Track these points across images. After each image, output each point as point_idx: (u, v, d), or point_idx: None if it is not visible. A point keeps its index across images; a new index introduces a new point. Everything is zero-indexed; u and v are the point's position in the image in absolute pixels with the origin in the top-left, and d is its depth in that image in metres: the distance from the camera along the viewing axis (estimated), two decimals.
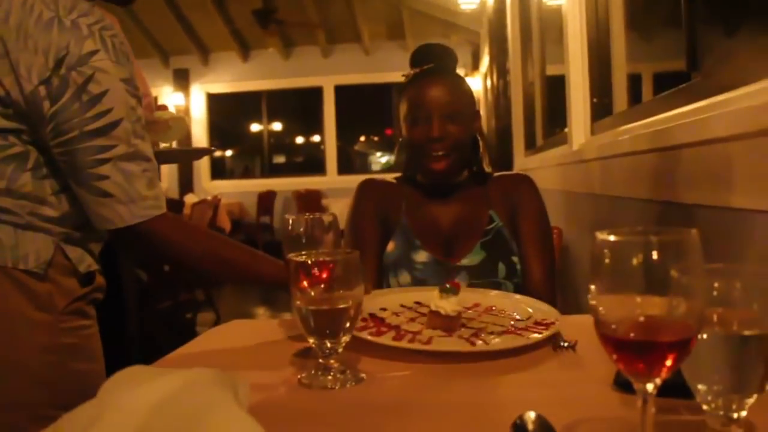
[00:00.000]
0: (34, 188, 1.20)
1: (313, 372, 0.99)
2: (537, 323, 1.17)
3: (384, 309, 1.25)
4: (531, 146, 4.93)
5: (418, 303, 1.31)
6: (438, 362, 1.03)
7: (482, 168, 1.75)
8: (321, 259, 0.96)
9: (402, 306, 1.29)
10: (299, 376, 0.99)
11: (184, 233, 1.32)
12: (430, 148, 1.60)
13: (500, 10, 5.83)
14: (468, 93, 1.69)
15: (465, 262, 1.62)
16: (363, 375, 0.99)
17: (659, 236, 0.57)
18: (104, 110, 1.18)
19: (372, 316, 1.20)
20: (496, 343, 1.08)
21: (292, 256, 0.97)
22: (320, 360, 0.98)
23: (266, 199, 11.06)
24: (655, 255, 0.57)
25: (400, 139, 1.73)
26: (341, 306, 0.93)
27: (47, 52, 1.15)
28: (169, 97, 11.53)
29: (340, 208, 8.30)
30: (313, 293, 0.95)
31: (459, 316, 1.16)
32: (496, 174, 1.77)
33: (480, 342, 1.08)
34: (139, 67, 2.18)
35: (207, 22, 10.40)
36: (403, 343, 1.05)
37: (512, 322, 1.20)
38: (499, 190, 1.71)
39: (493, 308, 1.29)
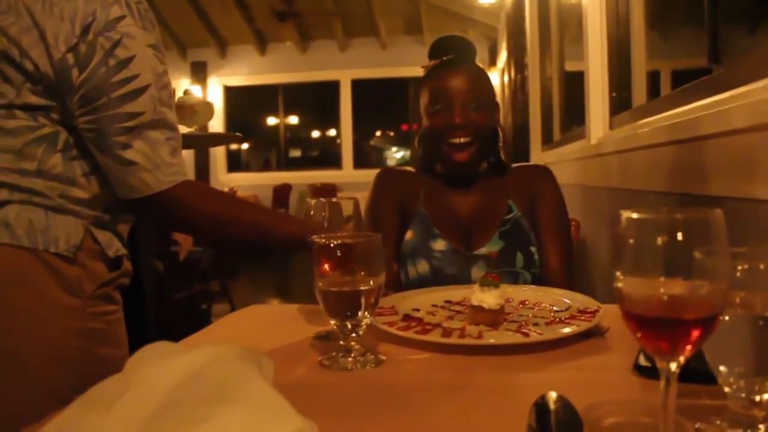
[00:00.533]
0: (65, 170, 1.19)
1: (333, 354, 1.00)
2: (581, 311, 1.15)
3: (417, 309, 1.22)
4: (548, 141, 4.92)
5: (448, 302, 1.29)
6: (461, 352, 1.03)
7: (501, 159, 1.74)
8: (343, 241, 0.97)
9: (434, 305, 1.26)
10: (320, 358, 1.00)
11: (208, 198, 1.33)
12: (453, 135, 1.60)
13: (519, 4, 5.81)
14: (489, 83, 1.69)
15: (483, 251, 1.62)
16: (383, 357, 1.00)
17: (684, 215, 0.57)
18: (131, 75, 1.17)
19: (408, 316, 1.17)
20: (548, 333, 1.04)
21: (315, 237, 0.98)
22: (341, 342, 0.99)
23: (282, 193, 11.10)
24: (679, 234, 0.57)
25: (420, 131, 1.73)
26: (362, 288, 0.94)
27: (74, 19, 1.14)
28: (186, 89, 11.57)
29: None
30: (334, 275, 0.96)
31: (502, 310, 1.13)
32: (515, 165, 1.77)
33: (533, 333, 1.05)
34: None
35: (225, 15, 10.44)
36: (454, 339, 1.03)
37: (553, 313, 1.18)
38: (519, 181, 1.71)
39: (527, 302, 1.27)
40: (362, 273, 0.96)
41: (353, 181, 10.83)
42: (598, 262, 2.74)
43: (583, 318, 1.10)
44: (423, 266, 1.62)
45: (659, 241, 0.58)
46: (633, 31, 2.72)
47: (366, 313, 0.96)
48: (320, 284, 0.96)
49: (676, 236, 0.57)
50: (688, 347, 0.59)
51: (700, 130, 1.47)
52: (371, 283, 0.95)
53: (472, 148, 1.61)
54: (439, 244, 1.63)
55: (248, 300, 6.64)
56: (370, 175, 1.84)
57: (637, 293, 0.59)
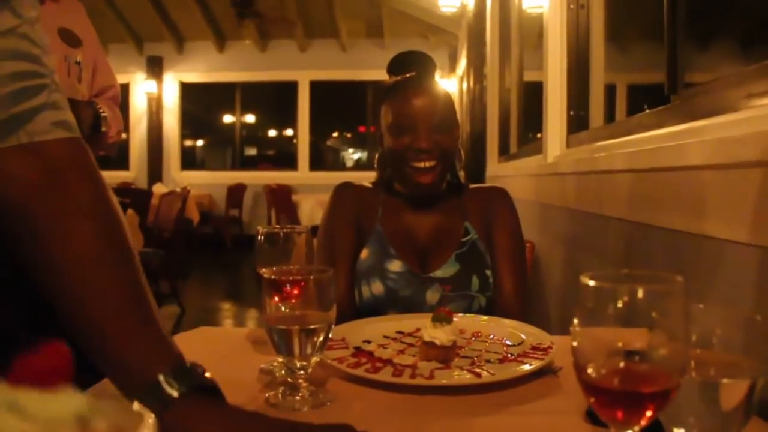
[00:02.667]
0: None
1: (280, 391, 0.96)
2: (534, 348, 1.13)
3: (368, 342, 1.19)
4: (504, 152, 4.94)
5: (400, 332, 1.26)
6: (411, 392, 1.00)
7: (459, 178, 1.73)
8: (293, 276, 0.94)
9: (385, 337, 1.23)
10: (267, 395, 0.97)
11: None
12: (417, 158, 1.56)
13: (480, 14, 5.83)
14: (451, 102, 1.66)
15: (439, 273, 1.59)
16: (331, 397, 0.97)
17: (644, 284, 0.56)
18: None
19: (359, 350, 1.15)
20: (501, 372, 1.02)
21: (264, 271, 0.95)
22: (288, 379, 0.96)
23: (236, 193, 10.97)
24: (639, 302, 0.56)
25: (381, 150, 1.70)
26: (313, 326, 0.91)
27: None
28: (141, 84, 11.37)
29: (310, 205, 8.26)
30: (283, 310, 0.93)
31: (455, 346, 1.11)
32: (473, 186, 1.76)
33: (485, 373, 1.02)
34: (105, 56, 2.14)
35: (183, 9, 10.26)
36: (405, 379, 1.00)
37: (505, 348, 1.16)
38: (475, 203, 1.69)
39: (480, 334, 1.25)
40: (312, 309, 0.93)
41: (309, 183, 10.76)
42: (552, 282, 2.76)
43: (535, 355, 1.09)
44: (377, 287, 1.58)
45: (618, 307, 0.56)
46: (592, 46, 2.74)
47: (315, 351, 0.93)
48: (268, 320, 0.92)
49: (635, 304, 0.56)
50: (645, 419, 0.57)
51: (656, 162, 1.48)
52: (322, 320, 0.92)
53: (436, 170, 1.58)
54: (395, 265, 1.60)
55: (199, 303, 6.55)
56: (325, 177, 1.81)
57: (594, 360, 0.58)
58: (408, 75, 1.64)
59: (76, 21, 1.97)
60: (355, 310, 1.58)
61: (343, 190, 1.73)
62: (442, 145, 1.57)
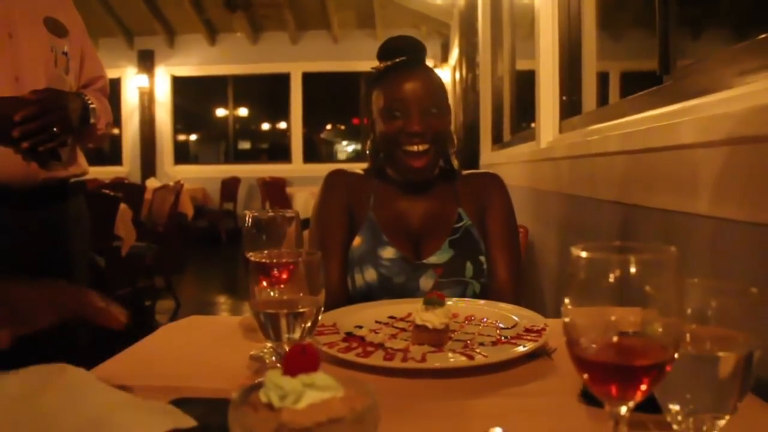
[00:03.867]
0: None
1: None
2: (527, 330, 1.12)
3: (360, 327, 1.18)
4: (498, 141, 4.93)
5: (392, 317, 1.25)
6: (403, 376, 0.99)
7: (452, 164, 1.71)
8: (281, 260, 0.92)
9: (377, 322, 1.22)
10: (255, 381, 0.95)
11: None
12: (410, 142, 1.55)
13: (472, 3, 5.80)
14: (442, 86, 1.65)
15: (432, 260, 1.58)
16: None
17: (637, 254, 0.54)
18: None
19: (350, 335, 1.13)
20: (494, 355, 1.01)
21: (251, 255, 0.93)
22: (278, 365, 0.94)
23: (230, 186, 10.93)
24: (632, 273, 0.54)
25: (372, 136, 1.68)
26: (301, 310, 0.89)
27: None
28: (132, 78, 11.31)
29: (304, 197, 8.24)
30: (271, 294, 0.91)
31: (447, 329, 1.10)
32: (465, 172, 1.74)
33: (478, 355, 1.01)
34: (92, 46, 2.10)
35: (173, 2, 10.19)
36: (397, 363, 0.99)
37: (498, 331, 1.15)
38: (469, 189, 1.69)
39: (473, 317, 1.24)
40: (301, 293, 0.91)
41: (303, 175, 10.73)
42: (546, 267, 2.75)
43: (529, 337, 1.08)
44: (370, 274, 1.57)
45: (610, 281, 0.54)
46: (584, 34, 2.73)
47: (304, 335, 0.91)
48: (256, 304, 0.91)
49: (628, 278, 0.54)
50: (639, 393, 0.56)
51: (649, 142, 1.46)
52: (310, 303, 0.90)
53: (429, 154, 1.57)
54: (388, 252, 1.59)
55: (194, 296, 6.53)
56: (319, 169, 1.79)
57: (586, 336, 0.56)
58: (398, 59, 1.63)
59: (62, 10, 1.92)
60: (347, 297, 1.56)
61: (335, 177, 1.71)
62: (434, 128, 1.57)
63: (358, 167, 1.77)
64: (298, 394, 0.53)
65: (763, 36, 1.21)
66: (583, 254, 0.55)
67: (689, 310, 0.63)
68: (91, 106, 1.91)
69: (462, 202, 1.67)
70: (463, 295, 1.53)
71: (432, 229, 1.63)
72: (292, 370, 0.55)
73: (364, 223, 1.64)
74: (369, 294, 1.54)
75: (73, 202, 1.97)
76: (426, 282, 1.55)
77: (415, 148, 1.55)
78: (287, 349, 0.91)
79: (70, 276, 1.90)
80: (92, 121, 1.91)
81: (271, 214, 1.09)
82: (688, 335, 0.62)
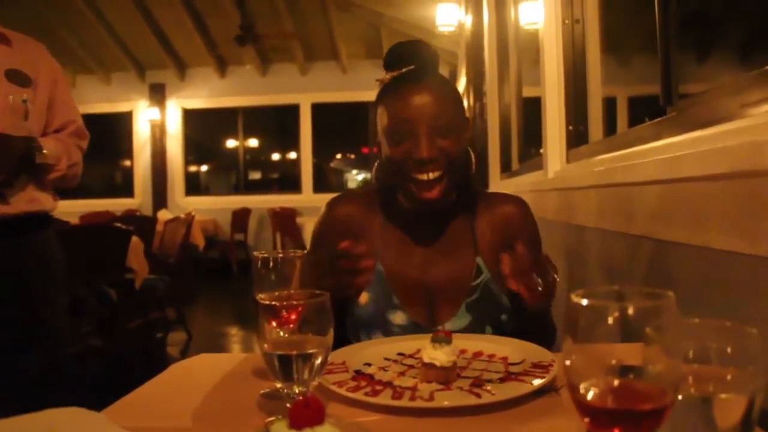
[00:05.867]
0: None
1: (280, 417, 0.96)
2: (534, 366, 1.12)
3: (369, 364, 1.17)
4: (506, 169, 4.94)
5: (401, 354, 1.24)
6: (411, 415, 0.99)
7: (470, 186, 1.53)
8: (290, 302, 0.93)
9: (386, 359, 1.21)
10: (267, 420, 0.96)
11: None
12: (420, 170, 1.37)
13: (477, 33, 5.86)
14: (458, 98, 1.46)
15: (448, 326, 1.41)
16: (332, 419, 0.96)
17: (634, 302, 0.55)
18: None
19: (359, 373, 1.13)
20: (501, 392, 1.00)
21: (261, 297, 0.95)
22: (288, 405, 0.95)
23: (241, 217, 10.97)
24: (631, 319, 0.55)
25: (379, 160, 1.51)
26: (310, 351, 0.91)
27: None
28: (144, 111, 11.45)
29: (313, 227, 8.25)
30: (281, 335, 0.93)
31: (455, 367, 1.09)
32: (484, 193, 1.57)
33: (486, 393, 1.01)
34: (68, 94, 2.27)
35: (184, 37, 10.35)
36: (405, 402, 0.98)
37: (506, 367, 1.15)
38: (487, 218, 1.50)
39: (481, 353, 1.24)
40: (310, 334, 0.92)
41: (313, 205, 10.75)
42: (556, 297, 2.74)
43: (537, 373, 1.08)
44: (379, 339, 1.42)
45: (609, 326, 0.55)
46: (589, 62, 2.75)
47: (313, 376, 0.92)
48: (265, 346, 0.92)
49: (627, 322, 0.55)
50: None
51: (654, 174, 1.47)
52: (319, 345, 0.92)
53: (442, 182, 1.38)
54: (399, 317, 1.43)
55: (205, 328, 6.53)
56: (329, 198, 1.62)
57: (586, 379, 0.57)
58: (405, 69, 1.44)
59: (30, 62, 2.14)
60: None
61: (338, 208, 1.54)
62: (447, 152, 1.37)
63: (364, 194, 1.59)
64: None
65: (766, 68, 1.22)
66: (583, 301, 0.56)
67: (691, 352, 0.64)
68: (39, 147, 2.09)
69: (481, 246, 1.48)
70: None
71: (447, 290, 1.45)
72: (297, 424, 0.56)
73: (373, 277, 1.44)
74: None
75: (33, 238, 2.14)
76: None
77: (426, 176, 1.37)
78: (296, 392, 0.92)
79: (36, 311, 2.06)
80: (38, 161, 2.08)
81: (280, 254, 1.10)
82: (690, 377, 0.63)
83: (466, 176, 1.50)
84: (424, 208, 1.43)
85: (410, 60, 1.45)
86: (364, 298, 1.44)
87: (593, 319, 0.56)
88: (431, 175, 1.37)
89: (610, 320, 0.55)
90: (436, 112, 1.37)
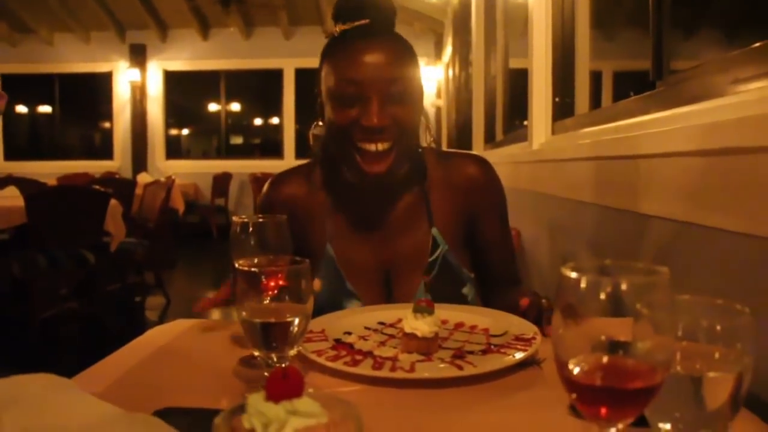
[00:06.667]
0: None
1: (258, 386, 0.94)
2: (517, 338, 1.10)
3: (349, 333, 1.15)
4: (491, 140, 4.92)
5: (381, 323, 1.22)
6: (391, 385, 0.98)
7: (422, 162, 1.40)
8: (268, 268, 0.91)
9: (366, 328, 1.19)
10: (245, 393, 0.94)
11: None
12: (367, 139, 1.24)
13: (465, 2, 5.80)
14: (415, 60, 1.31)
15: None
16: (310, 390, 0.94)
17: (628, 277, 0.53)
18: None
19: (339, 342, 1.11)
20: (483, 365, 0.99)
21: (239, 263, 0.92)
22: (266, 373, 0.93)
23: (221, 182, 10.89)
24: (623, 295, 0.53)
25: (321, 122, 1.37)
26: (289, 319, 0.88)
27: None
28: (124, 72, 11.26)
29: None
30: (259, 303, 0.90)
31: (436, 337, 1.08)
32: (442, 153, 1.45)
33: (467, 365, 0.99)
34: None
35: None
36: (385, 372, 0.97)
37: (488, 339, 1.13)
38: (445, 186, 1.39)
39: (463, 324, 1.22)
40: (289, 301, 0.90)
41: None
42: (538, 269, 2.74)
43: (519, 346, 1.07)
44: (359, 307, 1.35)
45: (600, 301, 0.54)
46: (578, 34, 2.72)
47: (292, 344, 0.90)
48: (243, 314, 0.89)
49: (618, 297, 0.53)
50: (629, 415, 0.55)
51: (641, 148, 1.46)
52: (298, 312, 0.89)
53: (391, 154, 1.26)
54: (354, 305, 1.36)
55: (184, 292, 6.50)
56: None
57: (576, 356, 0.55)
58: (357, 23, 1.29)
59: None
60: None
61: (280, 189, 1.44)
62: (399, 120, 1.24)
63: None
64: (282, 422, 0.53)
65: (756, 45, 1.20)
66: (573, 275, 0.54)
67: (680, 329, 0.63)
68: None
69: (436, 216, 1.37)
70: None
71: (403, 270, 1.37)
72: (275, 396, 0.54)
73: (323, 260, 1.36)
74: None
75: None
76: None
77: (374, 147, 1.25)
78: (274, 360, 0.90)
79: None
80: None
81: (260, 219, 1.07)
82: (678, 354, 0.62)
83: (417, 145, 1.39)
84: (370, 183, 1.31)
85: (364, 12, 1.29)
86: (317, 285, 1.24)
87: (583, 293, 0.54)
88: (380, 146, 1.25)
89: (602, 295, 0.54)
90: (390, 74, 1.24)
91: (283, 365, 0.88)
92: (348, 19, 1.29)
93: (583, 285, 0.54)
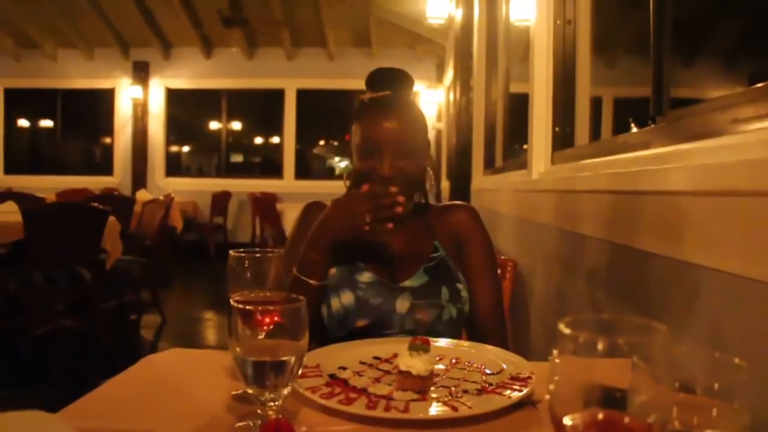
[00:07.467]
0: None
1: (250, 424, 0.93)
2: (513, 378, 1.10)
3: (343, 368, 1.16)
4: (490, 165, 4.93)
5: (377, 358, 1.22)
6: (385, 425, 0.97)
7: (426, 199, 1.75)
8: (264, 304, 0.90)
9: (362, 363, 1.20)
10: (236, 426, 0.93)
11: None
12: (380, 184, 1.55)
13: (467, 26, 5.83)
14: (423, 123, 1.66)
15: (407, 283, 1.58)
16: (304, 429, 0.93)
17: (625, 336, 0.53)
18: None
19: (333, 378, 1.11)
20: (478, 406, 0.99)
21: (234, 298, 0.91)
22: (258, 411, 0.92)
23: (221, 200, 10.89)
24: (619, 350, 0.53)
25: (351, 168, 1.69)
26: (283, 358, 0.88)
27: None
28: (127, 89, 11.30)
29: (294, 214, 8.18)
30: (253, 340, 0.90)
31: (431, 376, 1.08)
32: (438, 205, 1.77)
33: (462, 406, 0.99)
34: None
35: (170, 15, 10.20)
36: (379, 412, 0.96)
37: (484, 378, 1.13)
38: (443, 222, 1.71)
39: (459, 360, 1.22)
40: (284, 338, 0.89)
41: (294, 191, 10.70)
42: (534, 299, 2.73)
43: (515, 386, 1.06)
44: (347, 297, 1.56)
45: (597, 355, 0.53)
46: (578, 61, 2.73)
47: (286, 383, 0.89)
48: (237, 350, 0.89)
49: (616, 354, 0.53)
50: None
51: (639, 185, 1.46)
52: (293, 350, 0.89)
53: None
54: (365, 276, 1.59)
55: (180, 311, 6.48)
56: (311, 186, 1.81)
57: (570, 410, 0.55)
58: (381, 94, 1.64)
59: None
60: (317, 328, 1.54)
61: (310, 210, 1.73)
62: (405, 171, 1.57)
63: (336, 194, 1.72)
64: None
65: (758, 86, 1.21)
66: (568, 332, 0.53)
67: (676, 381, 0.62)
68: None
69: (437, 235, 1.68)
70: (439, 317, 1.54)
71: (407, 257, 1.64)
72: None
73: (339, 254, 1.60)
74: (346, 316, 1.54)
75: None
76: (402, 304, 1.55)
77: None
78: (268, 397, 0.89)
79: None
80: None
81: (256, 253, 1.07)
82: (675, 408, 0.61)
83: (424, 190, 1.73)
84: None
85: (387, 85, 1.65)
86: (332, 271, 1.58)
87: (580, 350, 0.53)
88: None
89: (598, 351, 0.53)
90: (401, 136, 1.57)
91: (277, 416, 0.88)
92: (375, 88, 1.66)
93: (578, 341, 0.53)
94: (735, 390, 0.61)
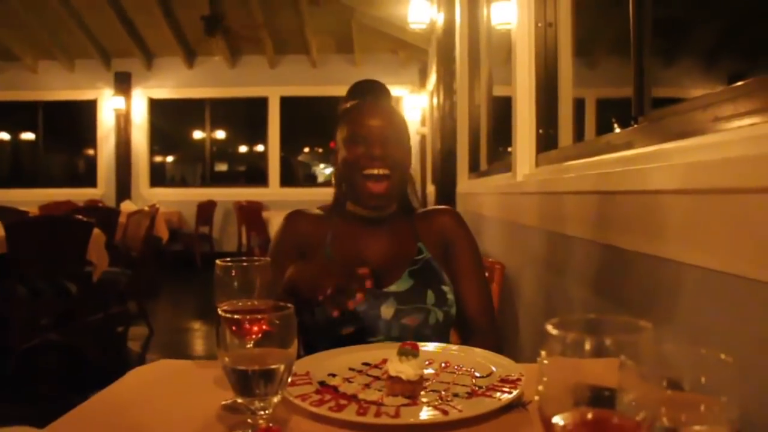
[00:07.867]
0: None
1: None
2: (502, 380, 1.10)
3: (333, 375, 1.15)
4: (475, 169, 4.94)
5: (366, 364, 1.22)
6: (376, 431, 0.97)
7: (409, 202, 1.77)
8: (252, 313, 0.90)
9: (351, 369, 1.20)
10: None
11: None
12: (371, 165, 1.59)
13: (449, 30, 5.85)
14: (405, 126, 1.70)
15: (392, 288, 1.58)
16: None
17: (612, 335, 0.53)
18: None
19: (323, 385, 1.11)
20: (468, 409, 0.99)
21: (222, 307, 0.91)
22: (248, 420, 0.92)
23: (206, 210, 10.85)
24: (606, 350, 0.53)
25: (336, 167, 1.71)
26: (272, 366, 0.87)
27: None
28: (109, 100, 11.24)
29: (280, 222, 8.19)
30: (242, 349, 0.89)
31: (421, 380, 1.08)
32: (421, 210, 1.79)
33: (453, 410, 0.99)
34: None
35: (152, 25, 10.16)
36: (370, 418, 0.96)
37: (474, 381, 1.13)
38: (427, 225, 1.72)
39: (449, 364, 1.22)
40: (273, 347, 0.89)
41: (280, 199, 10.68)
42: (522, 301, 2.74)
43: (505, 388, 1.06)
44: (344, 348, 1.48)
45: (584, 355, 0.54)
46: (561, 67, 2.75)
47: (276, 391, 0.89)
48: (226, 359, 0.88)
49: (603, 353, 0.53)
50: None
51: (623, 184, 1.47)
52: (281, 358, 0.88)
53: (388, 181, 1.60)
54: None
55: (168, 322, 6.44)
56: (297, 193, 1.83)
57: (559, 410, 0.55)
58: (365, 98, 1.69)
59: None
60: (304, 332, 1.54)
61: (293, 218, 1.73)
62: (394, 156, 1.61)
63: (318, 209, 1.77)
64: None
65: (738, 84, 1.22)
66: (555, 332, 0.54)
67: (663, 379, 0.63)
68: None
69: (421, 237, 1.69)
70: (425, 321, 1.54)
71: (391, 261, 1.65)
72: None
73: (321, 260, 1.62)
74: (331, 323, 1.52)
75: None
76: (387, 310, 1.55)
77: (376, 171, 1.59)
78: (257, 406, 0.89)
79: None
80: None
81: (243, 262, 1.07)
82: (663, 407, 0.61)
83: (406, 193, 1.75)
84: (372, 203, 1.63)
85: (369, 93, 1.71)
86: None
87: (567, 350, 0.54)
88: (380, 171, 1.59)
89: (585, 351, 0.53)
90: (387, 126, 1.63)
91: (268, 425, 0.87)
92: (357, 96, 1.71)
93: (566, 342, 0.53)
94: (722, 385, 0.61)
